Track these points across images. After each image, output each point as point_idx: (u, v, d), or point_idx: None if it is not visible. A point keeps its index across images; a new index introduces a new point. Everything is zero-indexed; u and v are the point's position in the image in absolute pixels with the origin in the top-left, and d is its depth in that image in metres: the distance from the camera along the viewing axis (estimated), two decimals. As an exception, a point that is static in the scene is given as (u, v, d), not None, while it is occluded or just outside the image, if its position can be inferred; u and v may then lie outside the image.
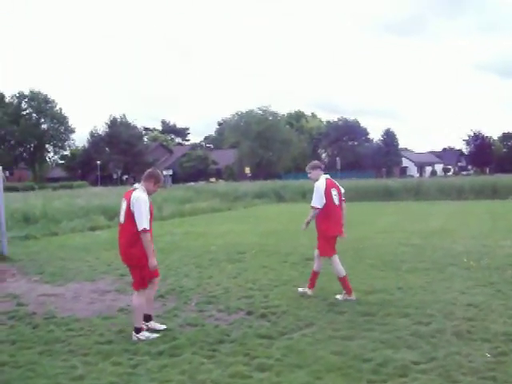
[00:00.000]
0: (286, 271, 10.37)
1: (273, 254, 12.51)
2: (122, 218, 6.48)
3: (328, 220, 8.14)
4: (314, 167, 8.42)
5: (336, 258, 8.17)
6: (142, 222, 6.20)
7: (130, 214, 6.31)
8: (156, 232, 17.86)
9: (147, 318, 6.66)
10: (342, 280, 8.08)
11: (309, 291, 8.33)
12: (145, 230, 6.21)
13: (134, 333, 6.39)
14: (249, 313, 7.36)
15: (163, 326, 6.71)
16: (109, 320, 7.29)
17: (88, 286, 9.77)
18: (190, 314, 7.41)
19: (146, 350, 5.88)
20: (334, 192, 8.21)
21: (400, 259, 11.44)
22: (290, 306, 7.66)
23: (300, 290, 8.49)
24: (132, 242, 6.33)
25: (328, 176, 8.41)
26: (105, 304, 8.36)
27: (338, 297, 8.04)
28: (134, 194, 6.36)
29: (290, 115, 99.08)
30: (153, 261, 6.29)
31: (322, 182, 8.20)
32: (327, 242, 8.22)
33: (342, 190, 8.47)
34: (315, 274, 8.40)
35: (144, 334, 6.37)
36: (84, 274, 10.98)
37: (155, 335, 6.40)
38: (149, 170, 6.83)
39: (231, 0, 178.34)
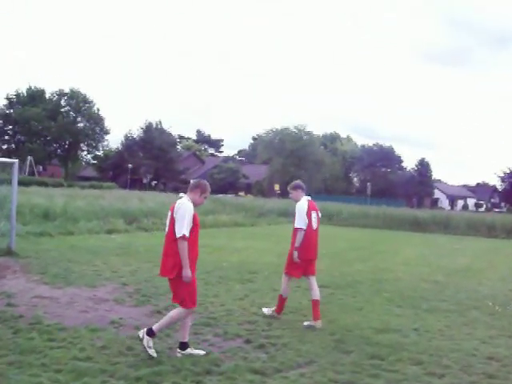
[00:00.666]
0: (297, 298, 9.68)
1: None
2: (166, 229, 6.11)
3: (304, 243, 7.90)
4: (296, 187, 8.23)
5: (288, 279, 8.19)
6: (182, 228, 5.81)
7: (173, 222, 5.95)
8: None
9: (183, 347, 6.11)
10: (281, 300, 8.17)
11: (276, 314, 8.17)
12: (184, 237, 5.80)
13: (146, 335, 5.96)
14: (247, 341, 6.72)
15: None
16: (96, 333, 6.75)
17: (86, 292, 9.28)
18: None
19: (124, 374, 5.30)
20: (314, 215, 8.08)
21: (420, 296, 10.70)
22: (292, 337, 7.00)
23: (265, 310, 8.35)
24: (175, 251, 5.90)
25: (309, 198, 8.25)
26: (97, 314, 7.84)
27: (265, 310, 8.29)
28: (179, 201, 6.04)
29: (325, 136, 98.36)
30: (187, 271, 5.82)
31: (303, 203, 8.06)
32: (294, 264, 8.01)
33: (320, 214, 8.33)
34: (283, 301, 8.26)
35: (148, 343, 5.94)
36: (86, 278, 10.51)
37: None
38: (195, 181, 6.49)
39: (281, 15, 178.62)
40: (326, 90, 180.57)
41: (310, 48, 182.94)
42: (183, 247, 5.81)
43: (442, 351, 6.75)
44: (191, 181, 6.50)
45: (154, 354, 5.85)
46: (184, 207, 5.92)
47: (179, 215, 5.88)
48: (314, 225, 8.03)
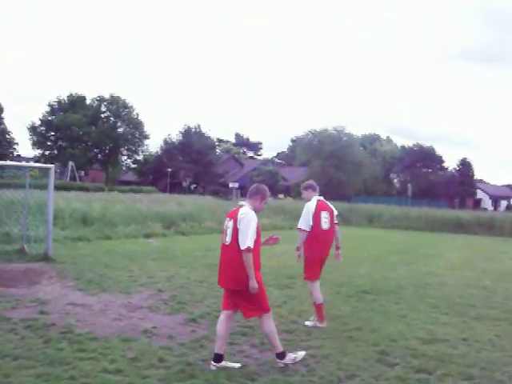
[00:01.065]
0: (337, 305, 9.30)
1: (326, 282, 10.89)
2: (227, 239, 5.81)
3: (313, 244, 7.84)
4: (306, 188, 8.20)
5: (317, 284, 7.94)
6: (246, 240, 5.57)
7: (236, 233, 5.71)
8: (209, 246, 17.50)
9: (218, 359, 5.83)
10: (318, 307, 7.84)
11: (319, 324, 7.82)
12: (249, 249, 5.55)
13: (278, 360, 5.85)
14: (279, 354, 6.34)
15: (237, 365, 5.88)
16: (128, 343, 6.50)
17: (120, 299, 9.08)
18: (218, 346, 6.51)
19: (154, 389, 5.04)
20: (324, 215, 7.93)
21: (467, 302, 10.15)
22: (333, 348, 6.61)
23: (308, 323, 7.93)
24: (240, 263, 5.65)
25: (321, 198, 8.12)
26: (130, 322, 7.60)
27: (308, 323, 7.84)
28: (242, 210, 5.80)
29: (364, 137, 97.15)
30: (254, 283, 5.58)
31: (312, 203, 7.95)
32: (311, 267, 7.94)
33: (335, 212, 8.16)
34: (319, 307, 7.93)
35: (290, 357, 5.88)
36: (121, 284, 10.33)
37: (302, 353, 6.13)
38: (254, 186, 6.21)
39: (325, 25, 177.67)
40: (365, 90, 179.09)
41: (348, 48, 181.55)
42: (249, 259, 5.57)
43: (493, 364, 6.26)
44: (252, 186, 6.12)
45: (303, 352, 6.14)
46: (248, 217, 5.67)
47: (243, 226, 5.64)
48: (324, 225, 7.88)
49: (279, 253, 16.34)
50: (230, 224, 5.80)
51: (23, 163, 19.06)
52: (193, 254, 15.48)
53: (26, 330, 6.87)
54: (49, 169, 13.08)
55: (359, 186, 79.21)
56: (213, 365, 5.73)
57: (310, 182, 8.39)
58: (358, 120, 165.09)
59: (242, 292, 5.74)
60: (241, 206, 5.90)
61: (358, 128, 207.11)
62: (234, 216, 5.80)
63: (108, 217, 21.66)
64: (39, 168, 16.48)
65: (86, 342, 6.41)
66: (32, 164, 16.74)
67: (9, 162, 17.90)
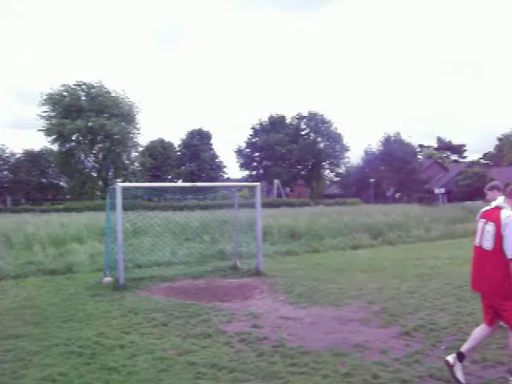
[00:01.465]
0: None
1: None
2: (488, 244, 5.40)
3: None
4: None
5: None
6: None
7: (498, 238, 5.28)
8: (418, 254, 16.80)
9: (460, 357, 5.54)
10: None
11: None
12: None
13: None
14: (510, 370, 5.72)
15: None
16: (340, 357, 6.34)
17: (331, 312, 8.98)
18: (435, 362, 6.05)
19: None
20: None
21: None
22: None
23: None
24: (505, 271, 5.23)
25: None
26: (342, 336, 7.44)
27: None
28: (505, 213, 5.32)
29: None
30: None
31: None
32: None
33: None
34: None
35: None
36: (331, 297, 10.24)
37: None
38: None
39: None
40: None
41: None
42: None
43: None
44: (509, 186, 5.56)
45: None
46: None
47: (509, 232, 5.16)
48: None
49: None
50: (489, 228, 5.36)
51: (232, 183, 20.07)
52: (402, 263, 14.94)
53: (240, 344, 7.06)
54: (255, 187, 13.54)
55: None
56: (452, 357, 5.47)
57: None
58: None
59: (504, 304, 5.28)
60: (499, 207, 5.41)
61: None
62: (494, 219, 5.33)
63: (314, 230, 21.94)
64: (246, 187, 17.20)
65: (297, 356, 6.39)
66: (239, 184, 17.51)
67: (219, 183, 18.98)
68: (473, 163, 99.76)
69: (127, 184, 14.71)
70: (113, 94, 61.53)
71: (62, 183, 75.61)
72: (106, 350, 6.90)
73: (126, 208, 16.63)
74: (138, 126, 63.10)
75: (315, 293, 10.70)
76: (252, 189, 14.64)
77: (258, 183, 13.84)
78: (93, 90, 60.43)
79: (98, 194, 59.96)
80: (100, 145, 60.80)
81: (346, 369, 5.87)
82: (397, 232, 23.64)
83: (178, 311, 9.13)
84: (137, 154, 66.73)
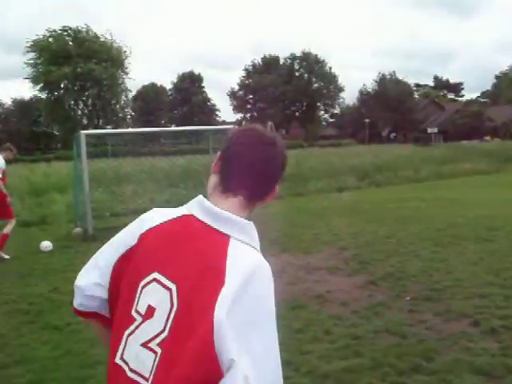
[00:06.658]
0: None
1: None
2: None
3: None
4: None
5: None
6: None
7: None
8: (403, 196, 16.38)
9: None
10: None
11: None
12: None
13: None
14: (474, 323, 5.30)
15: None
16: (297, 311, 5.94)
17: (300, 260, 8.61)
18: (396, 315, 5.66)
19: (307, 369, 4.41)
20: None
21: None
22: (537, 317, 5.40)
23: None
24: None
25: None
26: (305, 286, 7.06)
27: None
28: None
29: None
30: None
31: None
32: None
33: None
34: None
35: None
36: (303, 244, 9.87)
37: None
38: None
39: None
40: None
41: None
42: None
43: None
44: None
45: None
46: None
47: None
48: None
49: (481, 201, 14.73)
50: None
51: (207, 127, 19.57)
52: (384, 206, 14.50)
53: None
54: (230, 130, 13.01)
55: None
56: None
57: None
58: None
59: None
60: None
61: None
62: None
63: (301, 173, 21.44)
64: (220, 130, 16.72)
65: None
66: (214, 127, 16.99)
67: (191, 127, 18.48)
68: (470, 102, 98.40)
69: (91, 131, 14.16)
70: (101, 39, 59.88)
71: (55, 132, 74.56)
72: (55, 307, 6.54)
73: (109, 155, 16.39)
74: (127, 70, 61.75)
75: (288, 239, 10.35)
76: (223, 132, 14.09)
77: (232, 126, 13.30)
78: (80, 35, 58.75)
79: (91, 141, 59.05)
80: (89, 91, 59.61)
81: (300, 324, 5.50)
82: (385, 173, 23.17)
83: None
84: (126, 99, 65.53)
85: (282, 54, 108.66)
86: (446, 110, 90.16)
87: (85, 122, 61.75)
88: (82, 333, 5.54)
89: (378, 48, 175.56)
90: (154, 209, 1.57)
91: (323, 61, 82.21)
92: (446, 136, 64.09)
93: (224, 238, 1.40)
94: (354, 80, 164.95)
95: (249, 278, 1.33)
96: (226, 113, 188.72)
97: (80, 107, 61.78)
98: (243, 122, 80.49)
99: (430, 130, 52.29)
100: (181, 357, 1.25)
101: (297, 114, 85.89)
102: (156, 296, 1.36)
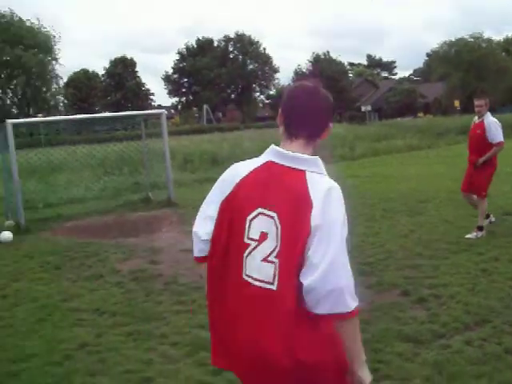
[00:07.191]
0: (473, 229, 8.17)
1: (464, 205, 9.21)
2: None
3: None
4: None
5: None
6: None
7: None
8: (337, 174, 16.55)
9: None
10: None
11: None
12: None
13: None
14: (404, 293, 5.48)
15: None
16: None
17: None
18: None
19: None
20: None
21: None
22: (462, 286, 5.58)
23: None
24: None
25: None
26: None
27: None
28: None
29: (506, 41, 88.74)
30: None
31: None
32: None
33: None
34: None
35: None
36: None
37: None
38: None
39: None
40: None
41: None
42: None
43: None
44: None
45: None
46: None
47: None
48: None
49: (412, 175, 15.14)
50: None
51: (136, 112, 19.24)
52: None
53: (131, 283, 6.65)
54: (160, 114, 12.90)
55: (505, 95, 73.05)
56: None
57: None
58: (498, 23, 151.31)
59: None
60: None
61: (498, 32, 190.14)
62: None
63: (238, 155, 21.45)
64: (151, 115, 16.52)
65: (187, 293, 6.02)
66: (144, 112, 16.74)
67: (119, 114, 18.13)
68: (403, 80, 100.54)
69: (18, 120, 13.68)
70: (27, 24, 57.70)
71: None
72: (-14, 302, 6.36)
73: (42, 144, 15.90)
74: (57, 56, 59.78)
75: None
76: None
77: (163, 110, 13.19)
78: (3, 20, 56.47)
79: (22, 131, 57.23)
80: (18, 79, 57.49)
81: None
82: (320, 152, 23.36)
83: (76, 251, 8.56)
84: (57, 86, 63.59)
85: (216, 36, 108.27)
86: (380, 89, 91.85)
87: (14, 111, 59.66)
88: (14, 326, 5.42)
89: (312, 28, 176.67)
90: (234, 164, 2.21)
91: (257, 42, 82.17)
92: (380, 114, 65.44)
93: (301, 173, 1.95)
94: (290, 61, 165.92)
95: (327, 193, 1.89)
96: (162, 97, 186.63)
97: (9, 96, 59.59)
98: (179, 106, 79.81)
99: (364, 109, 53.18)
100: (293, 258, 1.82)
101: (233, 96, 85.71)
102: (265, 224, 1.91)
